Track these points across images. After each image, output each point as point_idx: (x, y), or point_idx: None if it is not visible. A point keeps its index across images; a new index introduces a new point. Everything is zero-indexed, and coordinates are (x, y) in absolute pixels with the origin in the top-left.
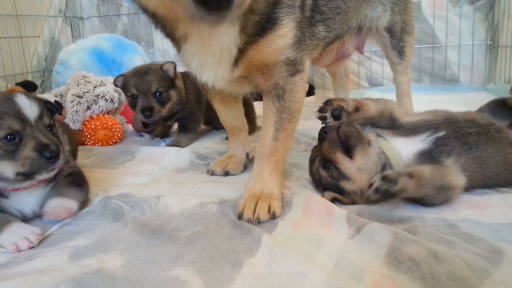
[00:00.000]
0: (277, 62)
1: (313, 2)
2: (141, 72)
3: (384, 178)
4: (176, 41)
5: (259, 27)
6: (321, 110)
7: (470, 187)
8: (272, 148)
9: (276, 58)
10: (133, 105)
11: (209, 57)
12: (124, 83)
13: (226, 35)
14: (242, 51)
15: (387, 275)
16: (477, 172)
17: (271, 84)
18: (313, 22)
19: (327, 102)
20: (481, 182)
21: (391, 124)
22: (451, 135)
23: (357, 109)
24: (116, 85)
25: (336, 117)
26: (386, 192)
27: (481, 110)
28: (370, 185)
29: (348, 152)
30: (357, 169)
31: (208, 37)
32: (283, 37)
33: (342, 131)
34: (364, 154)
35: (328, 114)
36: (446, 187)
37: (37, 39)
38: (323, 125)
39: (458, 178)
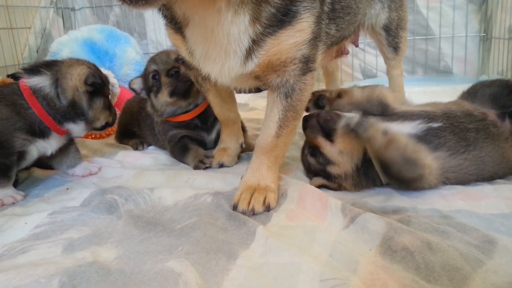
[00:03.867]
0: (294, 59)
1: None
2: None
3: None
4: (179, 27)
5: (276, 19)
6: None
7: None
8: (274, 144)
9: (294, 53)
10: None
11: (214, 47)
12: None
13: (233, 24)
14: (257, 43)
15: (381, 265)
16: (471, 175)
17: (281, 81)
18: (329, 19)
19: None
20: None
21: (382, 110)
22: (447, 128)
23: (339, 95)
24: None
25: (318, 106)
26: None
27: (463, 97)
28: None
29: (329, 136)
30: (339, 152)
31: (210, 23)
32: (301, 32)
33: (321, 116)
34: (345, 137)
35: (310, 105)
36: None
37: (29, 30)
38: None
39: (429, 159)
